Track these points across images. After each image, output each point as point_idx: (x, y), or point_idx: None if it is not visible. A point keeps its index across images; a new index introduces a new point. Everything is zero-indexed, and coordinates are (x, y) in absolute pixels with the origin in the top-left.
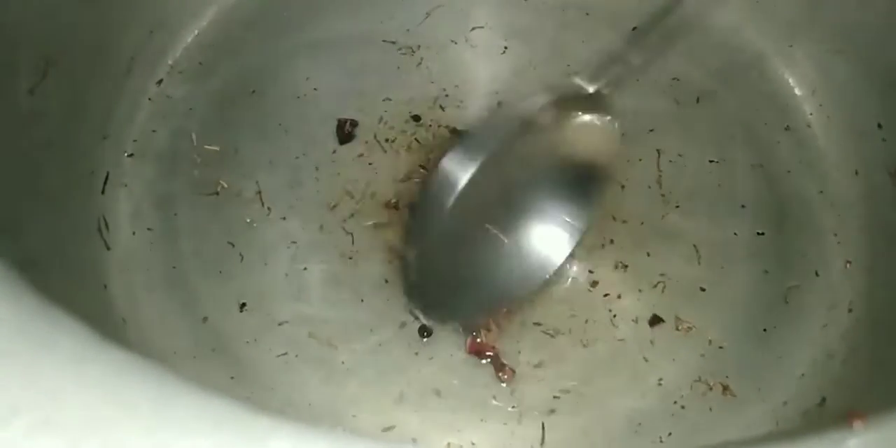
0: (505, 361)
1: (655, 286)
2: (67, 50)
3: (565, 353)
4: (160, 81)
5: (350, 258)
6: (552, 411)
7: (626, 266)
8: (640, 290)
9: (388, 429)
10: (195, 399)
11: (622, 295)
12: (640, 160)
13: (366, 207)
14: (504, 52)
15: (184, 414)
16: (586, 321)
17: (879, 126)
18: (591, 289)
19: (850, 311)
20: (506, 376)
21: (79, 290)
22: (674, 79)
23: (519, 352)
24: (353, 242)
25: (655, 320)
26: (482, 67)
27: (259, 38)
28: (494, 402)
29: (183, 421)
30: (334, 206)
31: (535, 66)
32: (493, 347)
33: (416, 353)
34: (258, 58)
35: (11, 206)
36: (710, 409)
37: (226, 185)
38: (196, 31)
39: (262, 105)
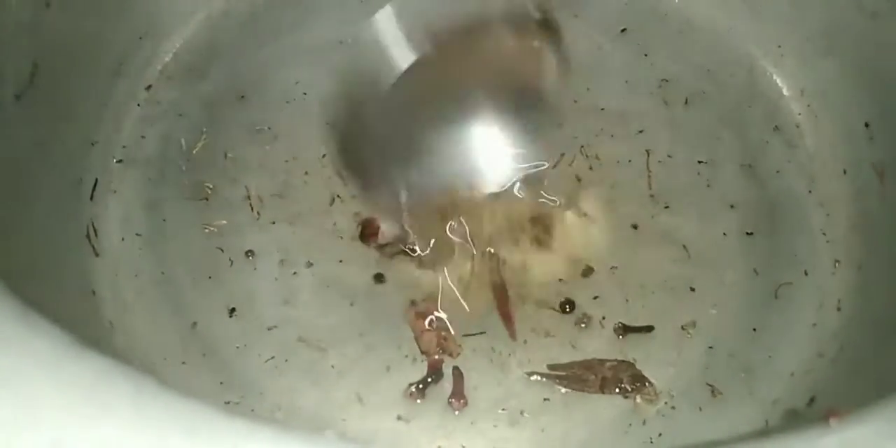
0: (465, 392)
1: (645, 287)
2: (55, 55)
3: (555, 355)
4: (149, 87)
5: (340, 261)
6: (543, 413)
7: (615, 267)
8: (629, 291)
9: (377, 432)
10: (173, 403)
11: (611, 296)
12: (630, 161)
13: (356, 210)
14: None
15: (161, 417)
16: (575, 323)
17: (867, 125)
18: (581, 290)
19: (839, 309)
20: (458, 405)
21: (67, 296)
22: (663, 80)
23: (510, 354)
24: (342, 246)
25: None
26: None
27: (248, 43)
28: (484, 405)
29: (159, 424)
30: (324, 210)
31: None
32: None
33: (406, 356)
34: (247, 62)
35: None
36: (700, 409)
37: (215, 190)
38: (185, 37)
39: (252, 110)
